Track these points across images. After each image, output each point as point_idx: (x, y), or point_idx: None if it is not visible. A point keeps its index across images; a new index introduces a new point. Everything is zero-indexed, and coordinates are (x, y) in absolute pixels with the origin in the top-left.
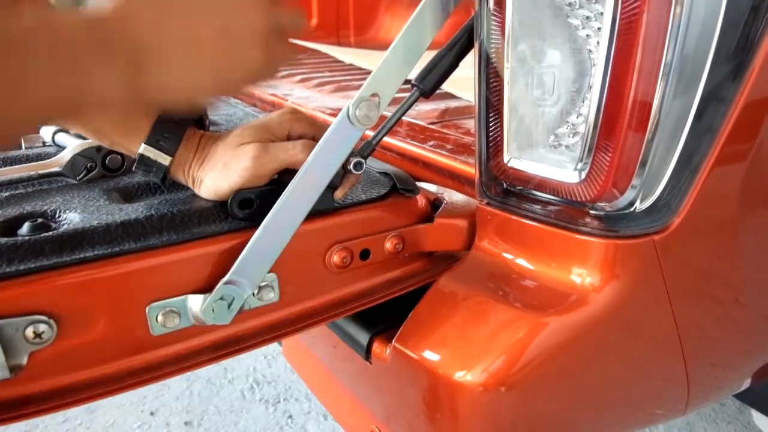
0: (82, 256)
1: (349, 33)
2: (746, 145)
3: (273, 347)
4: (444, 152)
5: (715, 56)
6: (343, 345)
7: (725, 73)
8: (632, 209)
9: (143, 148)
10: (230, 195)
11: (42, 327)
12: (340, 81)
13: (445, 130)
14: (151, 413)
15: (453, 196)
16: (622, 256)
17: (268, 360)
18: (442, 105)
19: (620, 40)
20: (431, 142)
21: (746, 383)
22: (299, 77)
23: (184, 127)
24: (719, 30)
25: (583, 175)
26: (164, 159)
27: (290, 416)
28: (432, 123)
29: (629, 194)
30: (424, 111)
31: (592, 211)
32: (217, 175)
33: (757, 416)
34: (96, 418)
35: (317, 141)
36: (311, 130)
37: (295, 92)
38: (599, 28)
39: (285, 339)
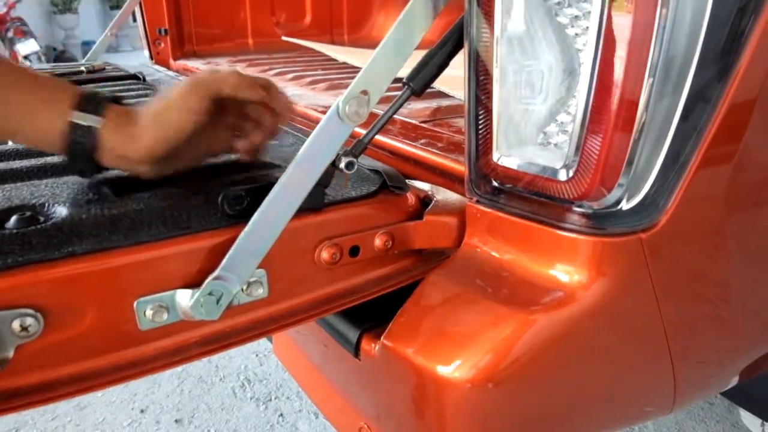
0: (70, 250)
1: (343, 31)
2: (732, 145)
3: (264, 345)
4: (435, 150)
5: (701, 57)
6: (334, 343)
7: (711, 74)
8: (619, 207)
9: (74, 115)
10: (163, 142)
11: (29, 320)
12: (333, 79)
13: (436, 129)
14: (142, 411)
15: (443, 194)
16: (610, 253)
17: (259, 358)
18: (434, 103)
19: (607, 40)
20: (423, 141)
21: (734, 381)
22: (292, 75)
23: (105, 97)
24: (705, 31)
25: (571, 173)
26: (96, 121)
27: (281, 414)
28: (424, 121)
29: (616, 192)
30: (416, 109)
31: (579, 209)
32: (159, 112)
33: (745, 415)
34: (86, 416)
35: (268, 105)
36: (256, 94)
37: (287, 90)
38: (587, 27)
39: (274, 335)
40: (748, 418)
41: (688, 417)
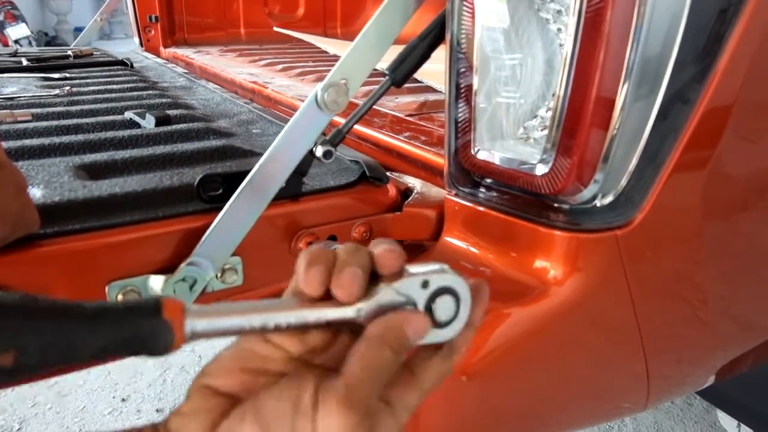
0: (42, 231)
1: (336, 24)
2: (709, 145)
3: None
4: (417, 143)
5: (679, 58)
6: None
7: (689, 76)
8: (594, 203)
9: None
10: None
11: None
12: (322, 71)
13: (421, 123)
14: (123, 399)
15: (424, 187)
16: (585, 249)
17: None
18: (421, 98)
19: (585, 36)
20: (407, 134)
21: (710, 380)
22: (282, 66)
23: None
24: (682, 32)
25: (548, 168)
26: None
27: None
28: (410, 115)
29: (592, 188)
30: (403, 103)
31: (556, 204)
32: None
33: (722, 416)
34: (66, 403)
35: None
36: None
37: (276, 80)
38: (568, 24)
39: None
40: (725, 419)
41: (667, 417)
